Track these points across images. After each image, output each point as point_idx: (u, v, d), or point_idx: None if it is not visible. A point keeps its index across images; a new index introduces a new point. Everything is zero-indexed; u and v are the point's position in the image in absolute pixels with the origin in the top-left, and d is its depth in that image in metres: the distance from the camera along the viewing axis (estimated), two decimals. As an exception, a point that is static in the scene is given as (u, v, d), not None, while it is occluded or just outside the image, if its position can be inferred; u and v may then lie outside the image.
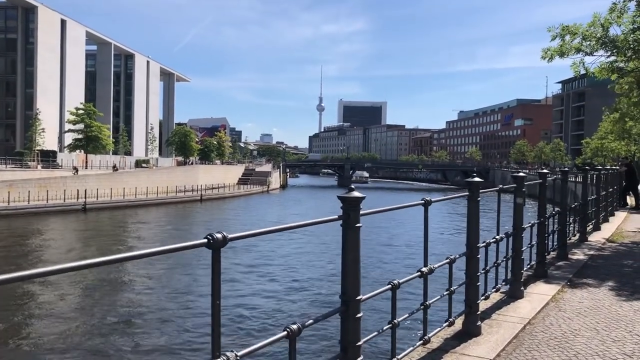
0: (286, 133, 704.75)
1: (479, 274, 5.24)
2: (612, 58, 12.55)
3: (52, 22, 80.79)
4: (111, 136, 79.37)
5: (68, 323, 15.55)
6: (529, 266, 7.58)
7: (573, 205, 11.40)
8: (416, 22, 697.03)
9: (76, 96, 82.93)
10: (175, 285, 20.58)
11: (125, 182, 58.66)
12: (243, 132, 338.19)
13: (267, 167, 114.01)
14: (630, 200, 21.11)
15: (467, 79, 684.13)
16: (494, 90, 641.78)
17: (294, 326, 2.83)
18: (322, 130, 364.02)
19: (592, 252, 9.95)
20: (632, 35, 11.82)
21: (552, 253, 9.09)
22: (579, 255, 9.63)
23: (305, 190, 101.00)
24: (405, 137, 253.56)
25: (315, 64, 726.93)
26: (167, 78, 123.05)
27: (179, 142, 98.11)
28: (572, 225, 11.10)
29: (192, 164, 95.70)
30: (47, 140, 69.65)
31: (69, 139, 72.37)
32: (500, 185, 6.38)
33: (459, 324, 5.10)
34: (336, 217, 3.30)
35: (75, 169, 54.51)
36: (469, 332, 5.04)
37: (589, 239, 11.36)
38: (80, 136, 69.04)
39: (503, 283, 6.46)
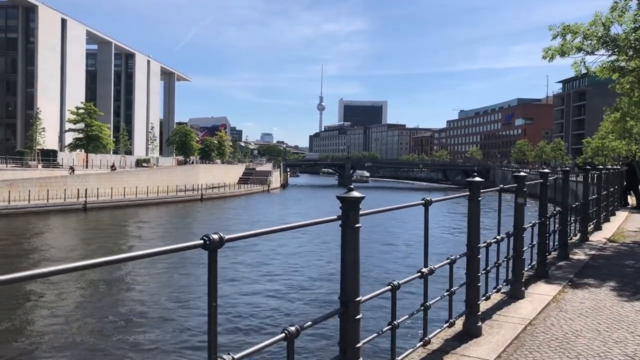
0: (287, 132, 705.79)
1: (479, 274, 5.20)
2: (614, 57, 12.50)
3: (53, 21, 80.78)
4: (112, 135, 79.42)
5: (63, 324, 15.43)
6: (529, 266, 7.54)
7: (574, 205, 11.36)
8: (416, 22, 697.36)
9: (77, 95, 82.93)
10: (173, 286, 20.42)
11: (125, 181, 58.63)
12: (243, 132, 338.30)
13: (267, 167, 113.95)
14: (631, 199, 21.07)
15: (468, 79, 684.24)
16: (494, 89, 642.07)
17: (292, 328, 2.79)
18: (323, 129, 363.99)
19: (593, 252, 9.91)
20: (633, 34, 11.77)
21: (553, 253, 9.05)
22: (580, 255, 9.59)
23: (305, 190, 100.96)
24: (405, 136, 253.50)
25: (316, 63, 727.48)
26: (168, 77, 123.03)
27: (180, 142, 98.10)
28: (573, 225, 11.07)
29: (192, 163, 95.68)
30: (48, 139, 69.70)
31: (69, 138, 72.35)
32: (501, 185, 6.34)
33: (459, 324, 5.06)
34: (335, 217, 3.26)
35: (72, 169, 54.22)
36: (470, 333, 5.00)
37: (590, 239, 11.31)
38: (80, 135, 69.02)
39: (504, 283, 6.42)
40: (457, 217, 41.94)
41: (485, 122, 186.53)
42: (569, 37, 11.83)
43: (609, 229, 13.10)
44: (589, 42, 11.79)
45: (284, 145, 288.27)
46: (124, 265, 21.96)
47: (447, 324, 4.89)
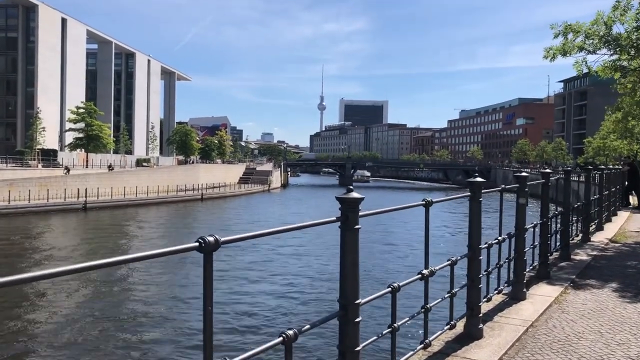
0: (287, 132, 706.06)
1: (480, 275, 5.15)
2: (615, 56, 12.43)
3: (53, 20, 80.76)
4: (112, 135, 79.40)
5: (57, 326, 15.22)
6: (531, 267, 7.48)
7: (575, 205, 11.30)
8: (416, 22, 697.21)
9: (77, 95, 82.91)
10: (169, 287, 20.10)
11: (125, 181, 58.59)
12: (244, 131, 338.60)
13: (268, 166, 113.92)
14: (633, 199, 21.02)
15: (468, 78, 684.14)
16: (495, 89, 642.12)
17: (290, 332, 2.74)
18: (324, 129, 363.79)
19: (595, 253, 9.85)
20: (635, 34, 11.70)
21: (554, 254, 8.99)
22: (581, 255, 9.54)
23: (306, 190, 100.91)
24: (406, 136, 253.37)
25: (316, 63, 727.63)
26: (168, 77, 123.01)
27: (180, 141, 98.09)
28: (574, 225, 11.01)
29: (193, 163, 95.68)
30: (48, 139, 69.67)
31: (69, 137, 72.35)
32: (503, 186, 6.28)
33: (460, 326, 5.00)
34: (334, 218, 3.20)
35: (67, 169, 53.89)
36: (471, 335, 4.94)
37: (591, 239, 11.26)
38: (81, 135, 68.99)
39: (505, 284, 6.37)
40: (458, 217, 41.89)
41: (486, 121, 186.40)
42: (570, 36, 11.77)
43: (610, 229, 13.04)
44: (591, 41, 11.72)
45: (285, 145, 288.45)
46: (120, 266, 21.75)
47: (448, 326, 4.84)
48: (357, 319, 3.21)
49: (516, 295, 6.35)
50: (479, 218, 5.06)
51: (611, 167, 19.23)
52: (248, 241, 2.82)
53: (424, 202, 4.26)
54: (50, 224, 39.01)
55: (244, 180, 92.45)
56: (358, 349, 3.22)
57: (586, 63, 12.43)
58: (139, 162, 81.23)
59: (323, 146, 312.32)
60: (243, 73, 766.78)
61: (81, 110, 69.17)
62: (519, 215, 6.38)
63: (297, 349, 11.59)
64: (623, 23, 11.78)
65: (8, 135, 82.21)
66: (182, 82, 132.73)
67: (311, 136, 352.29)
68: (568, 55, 11.99)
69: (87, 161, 70.10)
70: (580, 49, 11.91)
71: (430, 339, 4.43)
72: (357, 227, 3.21)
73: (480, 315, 5.07)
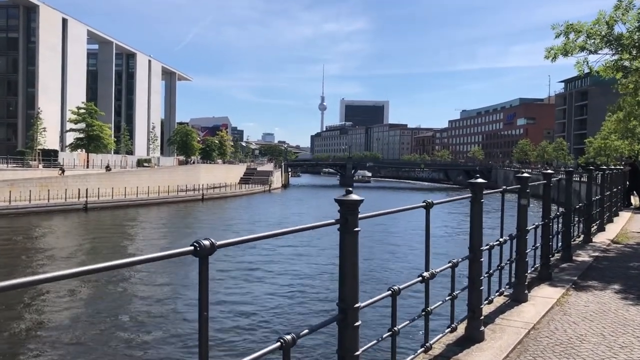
0: (288, 132, 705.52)
1: (482, 277, 5.10)
2: (617, 56, 12.36)
3: (54, 21, 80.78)
4: (113, 135, 79.35)
5: (51, 331, 15.02)
6: (532, 268, 7.43)
7: (577, 206, 11.24)
8: (417, 22, 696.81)
9: (77, 95, 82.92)
10: (166, 290, 19.71)
11: (126, 181, 58.58)
12: (245, 132, 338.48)
13: (268, 167, 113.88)
14: (634, 200, 20.95)
15: (469, 78, 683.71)
16: (495, 89, 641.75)
17: (288, 336, 2.69)
18: (324, 129, 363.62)
19: (596, 254, 9.79)
20: (637, 33, 11.64)
21: (556, 255, 8.93)
22: (583, 256, 9.48)
23: (307, 190, 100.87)
24: (407, 136, 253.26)
25: (316, 63, 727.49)
26: (169, 77, 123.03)
27: (181, 142, 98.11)
28: (575, 226, 10.95)
29: (193, 163, 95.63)
30: (49, 139, 69.68)
31: (70, 138, 72.35)
32: (504, 187, 6.22)
33: (461, 329, 4.95)
34: (333, 221, 3.15)
35: (62, 170, 53.73)
36: (472, 337, 4.89)
37: (593, 240, 11.20)
38: (81, 135, 69.00)
39: (506, 286, 6.31)
40: (459, 217, 41.84)
41: (487, 121, 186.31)
42: (572, 36, 11.70)
43: (612, 230, 12.99)
44: (593, 41, 11.66)
45: (286, 145, 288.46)
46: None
47: (449, 328, 4.79)
48: (357, 323, 3.16)
49: (518, 297, 6.30)
50: (480, 219, 5.01)
51: (612, 167, 19.15)
52: (243, 245, 2.77)
53: (424, 203, 4.21)
54: (51, 225, 39.00)
55: (244, 180, 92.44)
56: (357, 353, 3.17)
57: (587, 63, 12.35)
58: (140, 163, 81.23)
59: (324, 146, 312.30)
60: (244, 73, 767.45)
61: (82, 111, 69.17)
62: (520, 217, 6.33)
63: (296, 354, 11.47)
64: (625, 23, 11.72)
65: (9, 135, 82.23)
66: (182, 82, 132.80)
67: (312, 136, 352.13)
68: (569, 55, 11.92)
69: (87, 161, 70.08)
70: (582, 49, 11.85)
71: (431, 342, 4.38)
72: (356, 229, 3.16)
73: (482, 317, 5.02)
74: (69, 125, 71.51)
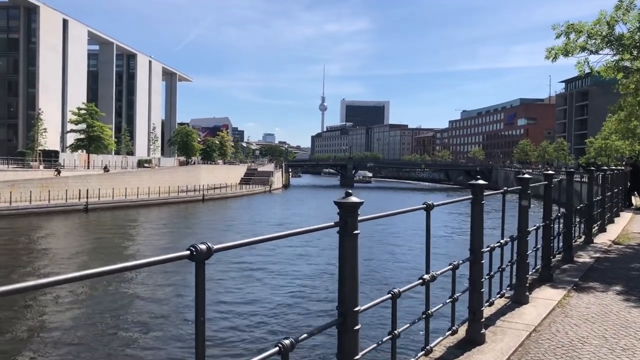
0: (288, 133, 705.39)
1: (483, 279, 5.06)
2: (618, 57, 12.33)
3: (54, 21, 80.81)
4: (113, 136, 79.33)
5: (48, 333, 14.86)
6: (533, 270, 7.39)
7: (578, 207, 11.20)
8: (418, 22, 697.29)
9: (78, 96, 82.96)
10: (163, 292, 19.36)
11: (127, 182, 58.57)
12: (245, 132, 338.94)
13: (269, 167, 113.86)
14: (636, 200, 20.91)
15: (469, 79, 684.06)
16: (496, 89, 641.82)
17: (287, 341, 2.65)
18: (325, 129, 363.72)
19: (598, 255, 9.75)
20: (638, 34, 11.60)
21: (557, 256, 8.89)
22: (584, 258, 9.44)
23: (307, 190, 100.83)
24: (408, 136, 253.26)
25: (317, 63, 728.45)
26: (169, 78, 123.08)
27: (181, 142, 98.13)
28: (576, 227, 10.91)
29: (194, 163, 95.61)
30: (49, 140, 69.66)
31: (71, 139, 72.39)
32: (505, 188, 6.19)
33: (462, 331, 4.92)
34: (332, 223, 3.12)
35: (57, 171, 53.60)
36: (473, 340, 4.86)
37: (594, 241, 11.16)
38: (82, 136, 69.01)
39: (507, 288, 6.27)
40: (460, 217, 41.78)
41: (487, 122, 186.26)
42: (572, 36, 11.67)
43: (613, 231, 12.94)
44: (593, 41, 11.63)
45: (286, 146, 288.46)
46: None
47: (450, 331, 4.75)
48: (357, 327, 3.13)
49: (519, 299, 6.26)
50: (481, 221, 4.97)
51: (613, 167, 19.11)
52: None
53: (424, 205, 4.18)
54: (51, 225, 38.98)
55: (245, 181, 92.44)
56: (357, 357, 3.14)
57: (588, 63, 12.32)
58: (141, 163, 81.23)
59: (324, 147, 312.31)
60: (244, 73, 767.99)
61: (82, 111, 69.16)
62: (521, 218, 6.29)
63: (294, 359, 11.31)
64: (626, 23, 11.69)
65: (9, 136, 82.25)
66: (183, 82, 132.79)
67: (312, 137, 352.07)
68: (570, 55, 11.89)
69: (88, 162, 70.06)
70: (583, 49, 11.82)
71: (432, 345, 4.34)
72: (356, 232, 3.13)
73: (483, 320, 4.98)
74: (69, 126, 71.53)
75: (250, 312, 16.96)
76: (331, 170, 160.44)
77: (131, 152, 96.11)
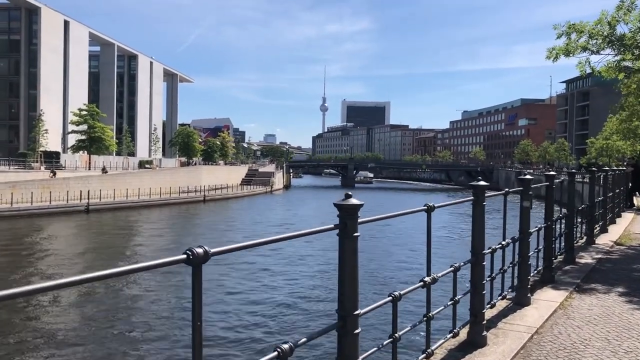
0: (289, 133, 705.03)
1: (484, 281, 5.02)
2: (619, 57, 12.29)
3: (55, 23, 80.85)
4: (114, 137, 79.30)
5: (45, 334, 14.76)
6: (535, 271, 7.35)
7: (580, 207, 11.15)
8: (418, 22, 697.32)
9: (79, 97, 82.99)
10: (161, 295, 19.16)
11: (128, 183, 58.57)
12: (246, 133, 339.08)
13: (270, 168, 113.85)
14: (637, 201, 20.85)
15: (470, 79, 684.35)
16: (497, 89, 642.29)
17: (286, 345, 2.61)
18: (326, 130, 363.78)
19: (599, 256, 9.71)
20: (639, 34, 11.56)
21: (558, 257, 8.85)
22: (586, 259, 9.40)
23: (308, 191, 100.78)
24: (408, 137, 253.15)
25: (318, 63, 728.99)
26: (171, 79, 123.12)
27: (182, 143, 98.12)
28: (578, 227, 10.86)
29: (195, 164, 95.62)
30: (51, 141, 69.66)
31: (72, 140, 72.37)
32: (506, 189, 6.15)
33: (463, 334, 4.88)
34: (332, 226, 3.09)
35: (53, 172, 53.23)
36: (474, 342, 4.82)
37: (596, 242, 11.11)
38: (83, 137, 68.99)
39: (509, 290, 6.24)
40: (461, 217, 41.70)
41: (488, 122, 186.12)
42: (574, 36, 11.64)
43: (615, 232, 12.89)
44: (595, 41, 11.59)
45: (287, 146, 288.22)
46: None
47: (451, 334, 4.71)
48: (357, 330, 3.09)
49: (520, 301, 6.23)
50: (483, 223, 4.94)
51: (615, 168, 19.03)
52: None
53: (425, 207, 4.14)
54: (53, 226, 38.97)
55: (246, 181, 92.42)
56: (357, 361, 3.10)
57: (589, 63, 12.29)
58: (142, 164, 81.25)
59: (325, 147, 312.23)
60: (245, 74, 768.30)
61: (84, 113, 69.14)
62: (523, 219, 6.26)
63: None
64: (627, 23, 11.65)
65: (11, 137, 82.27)
66: (184, 83, 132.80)
67: (313, 137, 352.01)
68: (571, 55, 11.85)
69: (89, 163, 70.05)
70: (584, 49, 11.78)
71: (433, 347, 4.30)
72: (356, 234, 3.10)
73: (484, 322, 4.94)
74: (70, 127, 71.51)
75: (248, 314, 16.77)
76: (332, 171, 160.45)
77: (132, 153, 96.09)
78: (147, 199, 56.99)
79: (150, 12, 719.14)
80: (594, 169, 12.40)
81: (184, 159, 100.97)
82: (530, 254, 6.42)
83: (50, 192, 46.88)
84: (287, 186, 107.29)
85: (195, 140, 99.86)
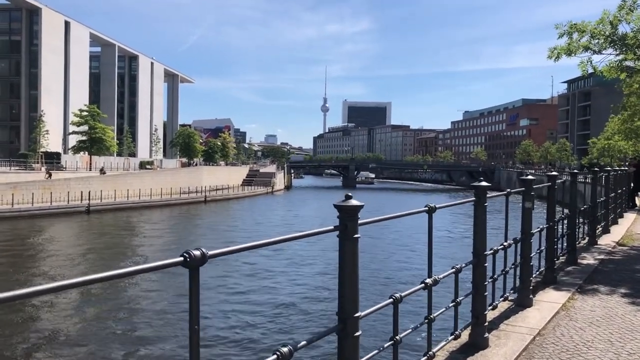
0: (290, 134, 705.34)
1: (486, 282, 4.98)
2: (621, 56, 12.24)
3: (56, 23, 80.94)
4: (115, 138, 79.31)
5: (35, 343, 14.51)
6: (537, 272, 7.31)
7: (582, 208, 11.11)
8: (420, 22, 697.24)
9: (80, 98, 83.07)
10: (158, 297, 18.96)
11: (129, 183, 58.56)
12: (247, 133, 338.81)
13: (271, 168, 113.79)
14: (639, 201, 20.79)
15: (471, 79, 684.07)
16: (498, 89, 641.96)
17: (285, 349, 2.58)
18: (327, 130, 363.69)
19: (602, 257, 9.66)
20: (641, 33, 11.51)
21: (560, 258, 8.81)
22: (589, 259, 9.35)
23: (309, 191, 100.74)
24: (410, 137, 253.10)
25: (319, 64, 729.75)
26: (171, 79, 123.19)
27: (183, 144, 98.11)
28: (580, 228, 10.81)
29: (196, 165, 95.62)
30: (51, 142, 69.63)
31: (73, 140, 72.38)
32: (508, 190, 6.11)
33: (465, 336, 4.84)
34: (332, 227, 3.05)
35: (49, 173, 53.07)
36: (476, 344, 4.78)
37: (598, 242, 11.07)
38: (84, 138, 68.99)
39: (511, 291, 6.19)
40: (462, 218, 41.64)
41: (489, 122, 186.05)
42: (575, 35, 11.58)
43: (617, 232, 12.85)
44: (596, 41, 11.54)
45: (288, 147, 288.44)
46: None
47: (453, 336, 4.67)
48: (357, 333, 3.05)
49: (522, 302, 6.18)
50: (484, 224, 4.90)
51: (617, 168, 18.98)
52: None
53: (427, 208, 4.10)
54: (53, 227, 38.97)
55: (247, 182, 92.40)
56: (358, 364, 3.06)
57: (591, 63, 12.23)
58: (143, 165, 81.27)
59: (326, 148, 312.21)
60: (246, 74, 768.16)
61: (84, 113, 69.17)
62: (525, 220, 6.22)
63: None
64: (629, 22, 11.60)
65: (12, 138, 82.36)
66: (185, 84, 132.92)
67: (314, 138, 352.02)
68: (573, 55, 11.80)
69: (90, 164, 70.09)
70: (586, 48, 11.73)
71: (434, 350, 4.26)
72: (356, 236, 3.06)
73: (486, 324, 4.90)
74: (71, 128, 71.52)
75: (248, 316, 16.62)
76: (333, 172, 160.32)
77: (133, 154, 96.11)
78: (148, 199, 56.99)
79: (149, 12, 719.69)
80: (596, 169, 12.35)
81: (184, 160, 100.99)
82: (532, 254, 6.37)
83: (51, 192, 46.87)
84: (288, 187, 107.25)
85: (196, 140, 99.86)
